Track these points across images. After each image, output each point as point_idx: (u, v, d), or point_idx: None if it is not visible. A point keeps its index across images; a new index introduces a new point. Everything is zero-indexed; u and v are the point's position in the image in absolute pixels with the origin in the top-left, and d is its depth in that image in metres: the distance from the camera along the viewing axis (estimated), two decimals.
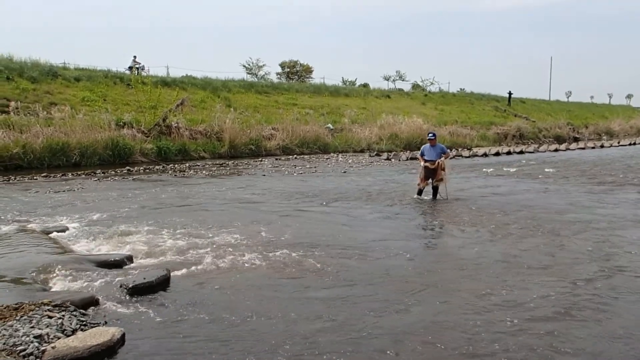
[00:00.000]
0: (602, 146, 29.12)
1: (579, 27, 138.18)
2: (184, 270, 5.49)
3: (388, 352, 3.74)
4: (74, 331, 3.81)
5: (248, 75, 39.70)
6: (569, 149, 27.16)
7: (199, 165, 16.50)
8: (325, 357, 3.65)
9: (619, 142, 32.04)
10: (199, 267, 5.63)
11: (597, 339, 4.00)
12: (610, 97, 67.39)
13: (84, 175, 13.55)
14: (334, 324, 4.21)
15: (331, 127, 24.66)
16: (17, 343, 3.50)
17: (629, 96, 72.54)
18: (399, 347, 3.81)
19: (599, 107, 54.53)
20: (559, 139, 33.15)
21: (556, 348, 3.81)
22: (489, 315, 4.40)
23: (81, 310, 4.22)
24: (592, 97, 61.90)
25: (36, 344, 3.51)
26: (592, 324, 4.25)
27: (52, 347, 3.48)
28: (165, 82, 24.54)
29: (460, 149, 23.99)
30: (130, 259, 5.82)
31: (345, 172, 15.28)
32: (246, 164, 17.49)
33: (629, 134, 40.23)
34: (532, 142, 30.56)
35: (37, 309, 4.01)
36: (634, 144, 31.66)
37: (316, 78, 45.35)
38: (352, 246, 6.57)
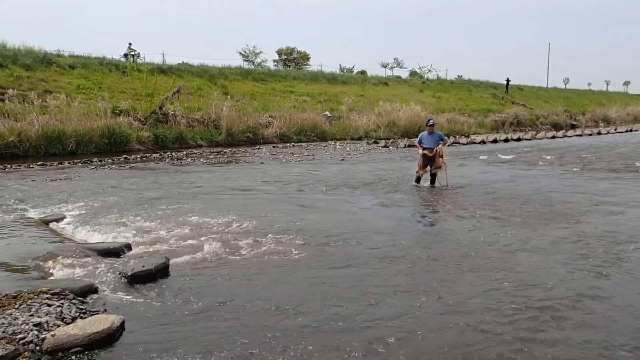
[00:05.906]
0: (599, 133, 29.14)
1: (577, 15, 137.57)
2: (182, 258, 5.48)
3: (389, 340, 3.75)
4: (73, 319, 3.81)
5: (245, 63, 39.45)
6: (566, 136, 27.17)
7: (196, 153, 16.44)
8: (324, 346, 3.66)
9: (616, 129, 32.08)
10: (197, 255, 5.63)
11: (604, 325, 4.02)
12: (607, 84, 67.18)
13: (80, 164, 13.49)
14: (334, 312, 4.21)
15: (329, 114, 24.57)
16: (16, 331, 3.49)
17: (626, 83, 72.27)
18: (399, 336, 3.82)
19: (596, 94, 54.41)
20: (556, 126, 33.16)
21: (557, 337, 3.84)
22: (493, 300, 4.41)
23: (80, 298, 4.21)
24: (589, 84, 61.68)
25: (35, 332, 3.51)
26: (600, 312, 4.27)
27: (52, 335, 3.48)
28: (162, 70, 24.37)
29: (457, 136, 23.95)
30: (128, 247, 5.81)
31: (343, 159, 15.26)
32: (244, 151, 17.44)
33: (626, 121, 40.27)
34: (529, 129, 30.54)
35: (36, 297, 4.01)
36: (631, 130, 31.73)
37: (313, 65, 45.03)
38: (351, 233, 6.56)
